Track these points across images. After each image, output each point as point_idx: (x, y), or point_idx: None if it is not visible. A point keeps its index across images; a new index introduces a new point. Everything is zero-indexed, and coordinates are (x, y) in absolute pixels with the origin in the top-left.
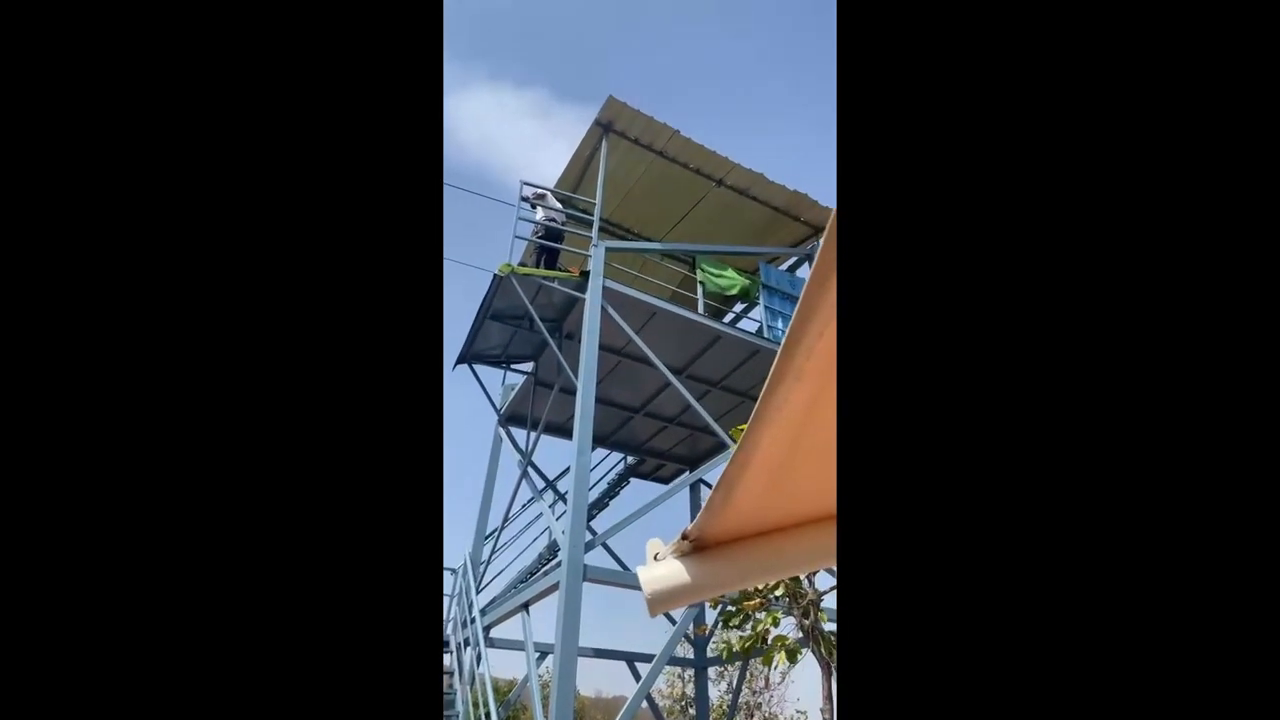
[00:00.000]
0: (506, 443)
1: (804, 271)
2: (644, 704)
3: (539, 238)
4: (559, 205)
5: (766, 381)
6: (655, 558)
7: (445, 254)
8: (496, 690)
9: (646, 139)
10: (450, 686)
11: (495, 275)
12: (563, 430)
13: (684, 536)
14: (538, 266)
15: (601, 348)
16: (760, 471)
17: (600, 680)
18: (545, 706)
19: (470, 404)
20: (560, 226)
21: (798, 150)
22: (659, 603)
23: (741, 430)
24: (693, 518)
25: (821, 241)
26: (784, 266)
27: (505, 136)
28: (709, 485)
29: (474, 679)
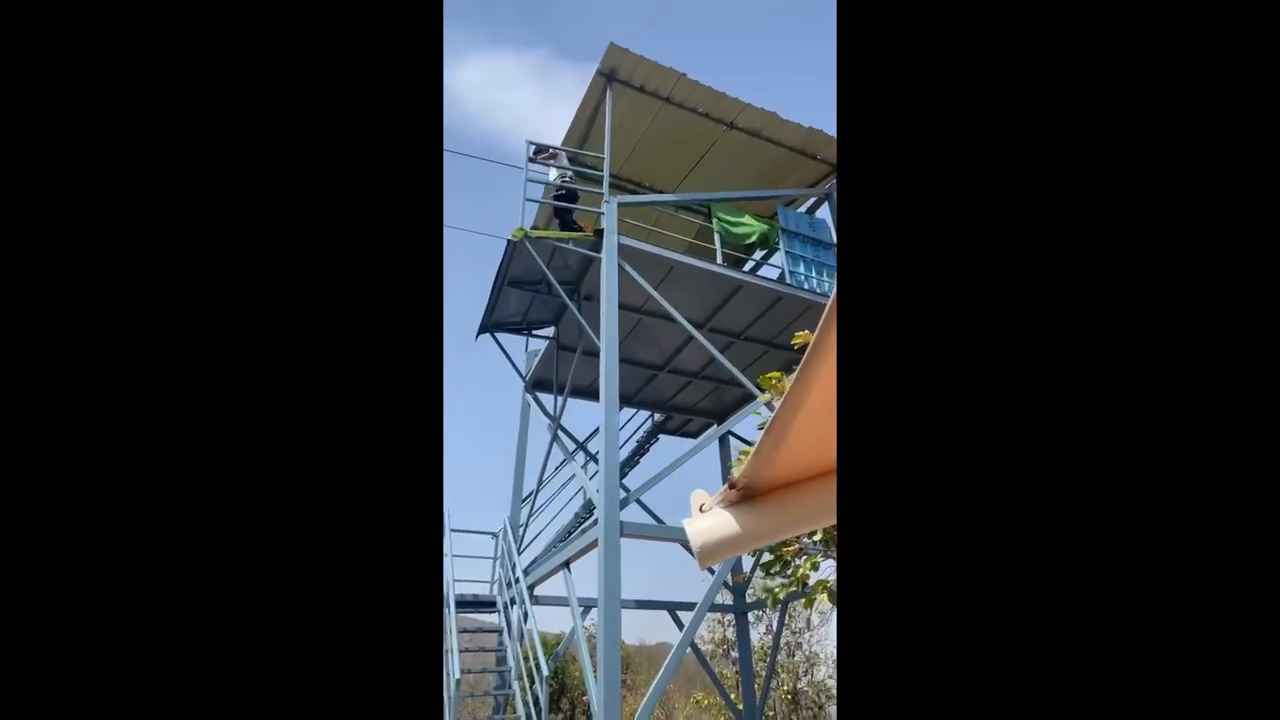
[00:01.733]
0: (535, 408)
1: (824, 212)
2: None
3: (556, 198)
4: (569, 163)
5: (826, 309)
6: (701, 509)
7: (460, 225)
8: (544, 644)
9: (652, 85)
10: (501, 643)
11: (509, 241)
12: (589, 392)
13: (731, 485)
14: (563, 227)
15: (621, 306)
16: (816, 409)
17: (643, 630)
18: (592, 657)
19: (497, 372)
20: (574, 186)
21: (811, 87)
22: (709, 554)
23: (771, 378)
24: (722, 471)
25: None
26: (803, 209)
27: (510, 100)
28: (738, 437)
29: (523, 635)
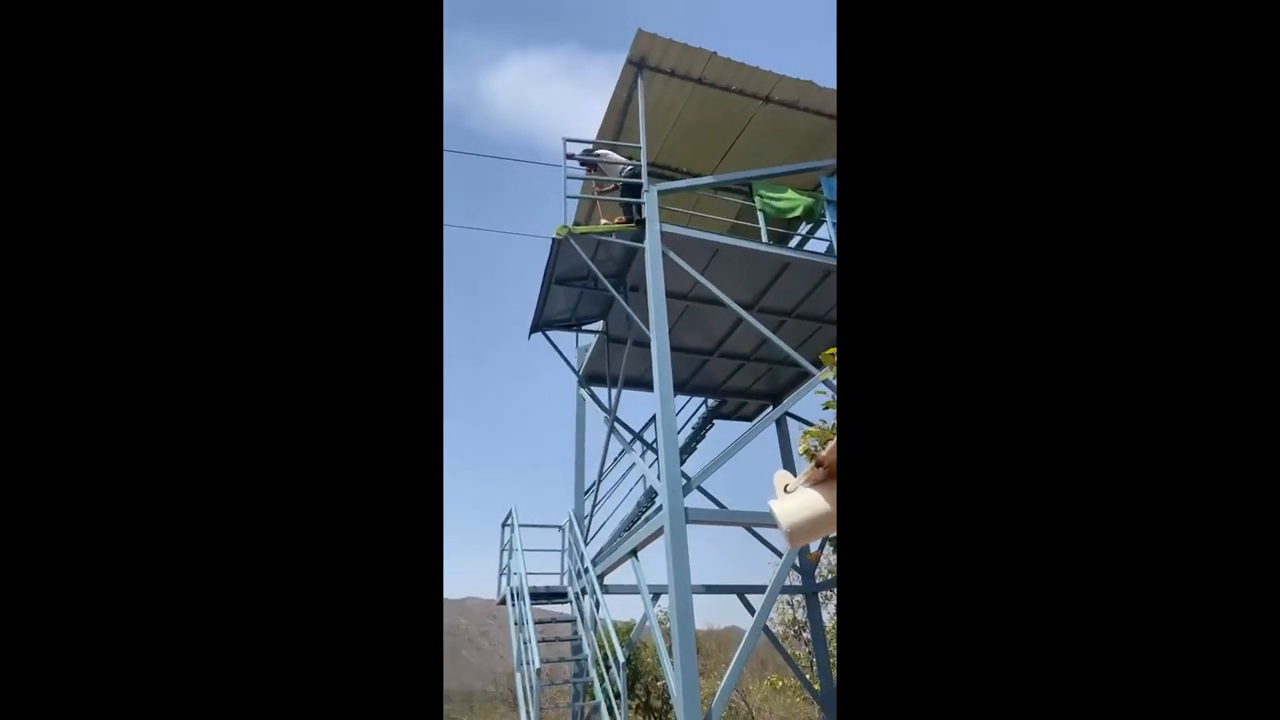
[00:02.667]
0: (590, 401)
1: None
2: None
3: (624, 190)
4: (621, 157)
5: None
6: (786, 489)
7: (502, 228)
8: (617, 632)
9: (683, 68)
10: (575, 632)
11: (554, 239)
12: (641, 382)
13: (818, 464)
14: (629, 222)
15: (668, 294)
16: None
17: (711, 614)
18: (666, 643)
19: (552, 369)
20: (632, 180)
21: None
22: (800, 535)
23: (832, 353)
24: (782, 452)
25: None
26: None
27: (543, 99)
28: (795, 417)
29: (595, 624)
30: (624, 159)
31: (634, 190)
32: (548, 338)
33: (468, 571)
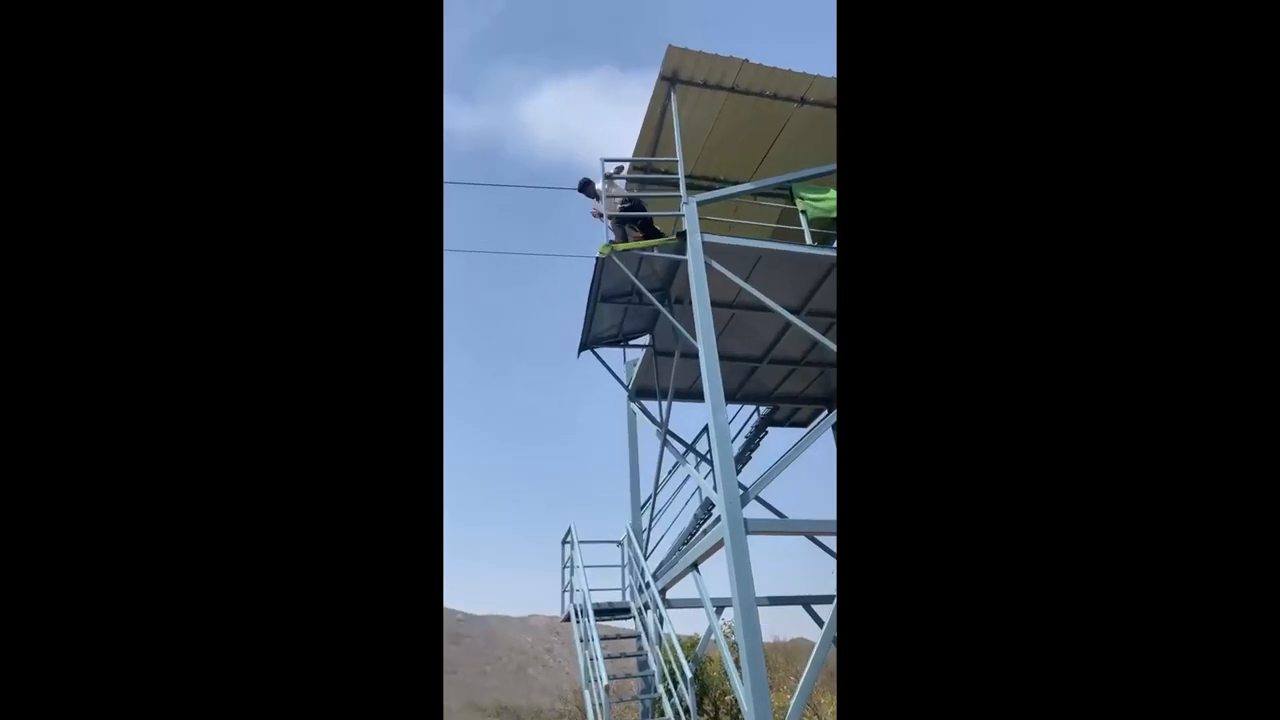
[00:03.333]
0: (641, 415)
1: None
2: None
3: (626, 208)
4: (620, 184)
5: None
6: None
7: (548, 252)
8: (682, 646)
9: (715, 78)
10: (640, 648)
11: (597, 259)
12: (691, 394)
13: None
14: (648, 237)
15: (713, 304)
16: None
17: (775, 626)
18: (733, 656)
19: (603, 387)
20: (639, 194)
21: None
22: None
23: None
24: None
25: None
26: None
27: (582, 122)
28: None
29: (660, 639)
30: (633, 175)
31: (638, 206)
32: (596, 355)
33: (530, 589)
